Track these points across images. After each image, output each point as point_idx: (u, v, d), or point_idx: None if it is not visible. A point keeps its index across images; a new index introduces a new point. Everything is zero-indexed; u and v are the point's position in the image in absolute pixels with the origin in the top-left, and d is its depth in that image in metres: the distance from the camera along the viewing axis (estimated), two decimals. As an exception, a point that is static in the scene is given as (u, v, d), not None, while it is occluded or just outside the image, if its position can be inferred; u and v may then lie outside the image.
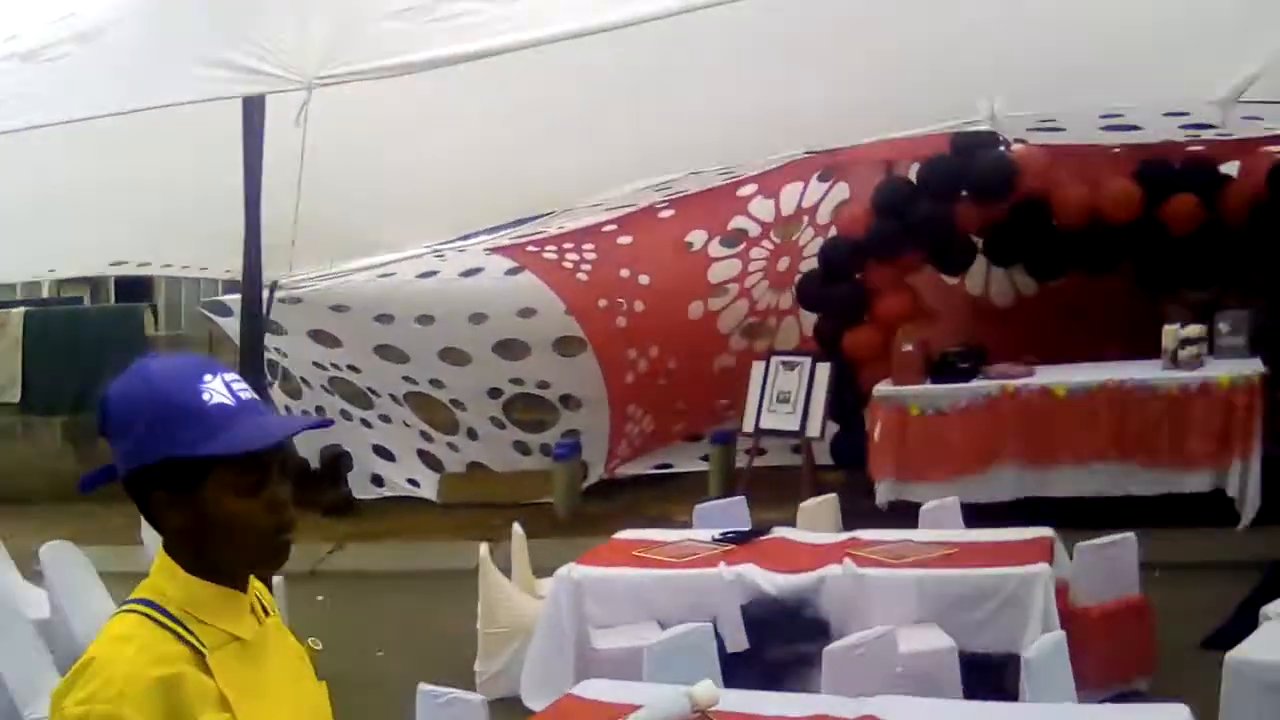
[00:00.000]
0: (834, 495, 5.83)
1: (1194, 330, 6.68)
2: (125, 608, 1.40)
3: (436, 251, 7.75)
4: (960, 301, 8.32)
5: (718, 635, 4.19)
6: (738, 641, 4.41)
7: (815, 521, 5.45)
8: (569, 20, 3.62)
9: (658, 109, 5.24)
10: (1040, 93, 6.07)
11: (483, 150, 5.64)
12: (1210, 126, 6.32)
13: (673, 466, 9.40)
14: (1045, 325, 8.01)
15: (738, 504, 5.70)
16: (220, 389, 1.39)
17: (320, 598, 6.73)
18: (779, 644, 4.35)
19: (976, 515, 6.50)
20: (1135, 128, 6.85)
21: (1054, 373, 6.89)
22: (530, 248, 8.09)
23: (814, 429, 7.66)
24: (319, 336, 8.88)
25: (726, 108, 5.35)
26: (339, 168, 5.17)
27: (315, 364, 9.18)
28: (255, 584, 1.50)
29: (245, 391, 1.42)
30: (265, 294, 5.91)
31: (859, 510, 7.28)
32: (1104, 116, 6.46)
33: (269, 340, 7.29)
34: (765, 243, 8.49)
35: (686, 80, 5.00)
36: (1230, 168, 7.59)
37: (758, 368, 8.05)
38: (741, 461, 8.30)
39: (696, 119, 5.46)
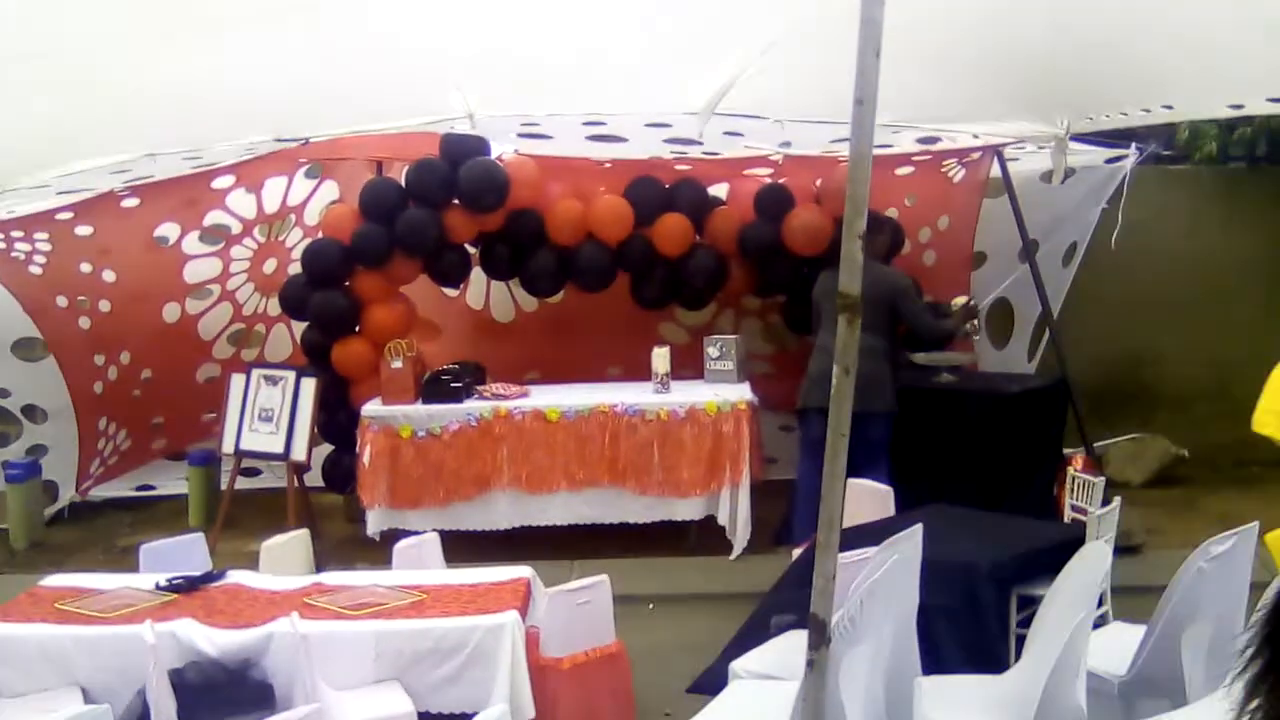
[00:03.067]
0: (304, 531, 5.38)
1: (660, 353, 6.87)
2: None
3: None
4: (462, 316, 8.16)
5: (146, 708, 3.67)
6: (166, 714, 3.85)
7: (281, 562, 4.96)
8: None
9: (86, 76, 4.59)
10: (518, 93, 6.01)
11: None
12: (694, 142, 6.52)
13: (156, 489, 8.54)
14: (549, 343, 8.06)
15: (191, 542, 5.10)
16: None
17: None
18: (217, 715, 3.84)
19: (471, 546, 6.40)
20: (621, 139, 6.99)
21: (550, 394, 6.85)
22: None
23: (299, 451, 7.15)
24: None
25: (175, 84, 4.79)
26: None
27: None
28: None
29: None
30: None
31: (355, 540, 6.94)
32: (587, 124, 6.51)
33: None
34: (248, 241, 7.89)
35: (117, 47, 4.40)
36: (720, 190, 7.96)
37: (237, 381, 7.41)
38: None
39: (139, 93, 4.84)
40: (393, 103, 5.97)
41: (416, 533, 5.32)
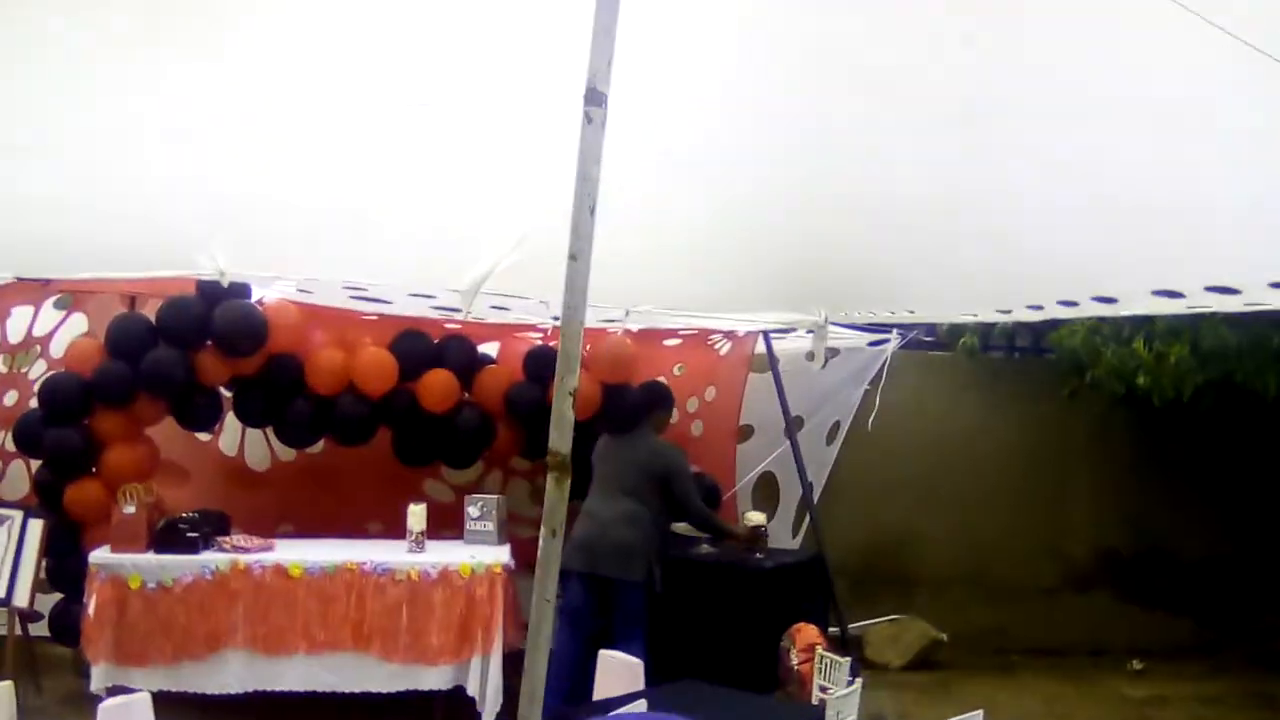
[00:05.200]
0: (7, 685, 5.04)
1: (415, 511, 6.81)
2: None
3: None
4: (214, 462, 7.94)
5: None
6: None
7: (-26, 721, 4.65)
8: None
9: None
10: (273, 256, 6.04)
11: None
12: (460, 310, 6.63)
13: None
14: (306, 495, 7.89)
15: None
16: None
17: None
18: None
19: (202, 710, 6.12)
20: (385, 301, 7.07)
21: (296, 549, 6.66)
22: None
23: (21, 598, 6.74)
24: None
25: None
26: None
27: None
28: None
29: None
30: None
31: (80, 696, 6.54)
32: (348, 288, 6.57)
33: None
34: (-9, 373, 7.56)
35: None
36: (492, 348, 8.06)
37: (-41, 520, 7.00)
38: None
39: None
40: (142, 253, 5.91)
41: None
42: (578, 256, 2.96)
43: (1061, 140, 3.58)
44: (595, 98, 2.86)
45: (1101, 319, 8.27)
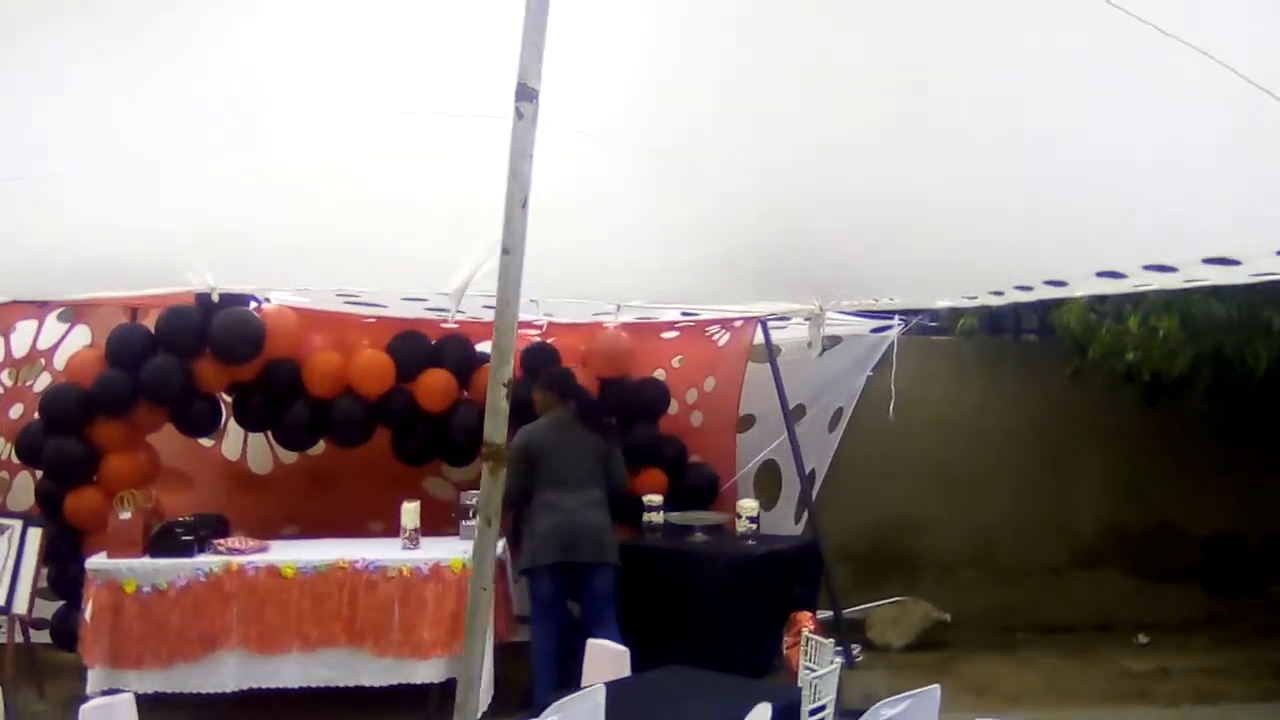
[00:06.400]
0: (-4, 691, 5.13)
1: (409, 508, 6.82)
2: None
3: None
4: (217, 467, 7.99)
5: None
6: None
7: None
8: None
9: None
10: (263, 269, 6.10)
11: None
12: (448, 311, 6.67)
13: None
14: (308, 497, 7.94)
15: None
16: None
17: None
18: None
19: (198, 710, 6.17)
20: (380, 305, 7.11)
21: (290, 549, 6.69)
22: None
23: (20, 604, 6.83)
24: None
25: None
26: None
27: None
28: None
29: None
30: None
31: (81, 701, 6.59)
32: (341, 295, 6.61)
33: None
34: (-4, 386, 7.66)
35: None
36: (488, 347, 8.04)
37: (-35, 530, 7.09)
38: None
39: None
40: (135, 272, 6.00)
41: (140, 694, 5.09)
42: (510, 250, 2.93)
43: (1005, 126, 3.60)
44: (526, 94, 2.85)
45: (1102, 298, 8.22)
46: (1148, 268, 4.43)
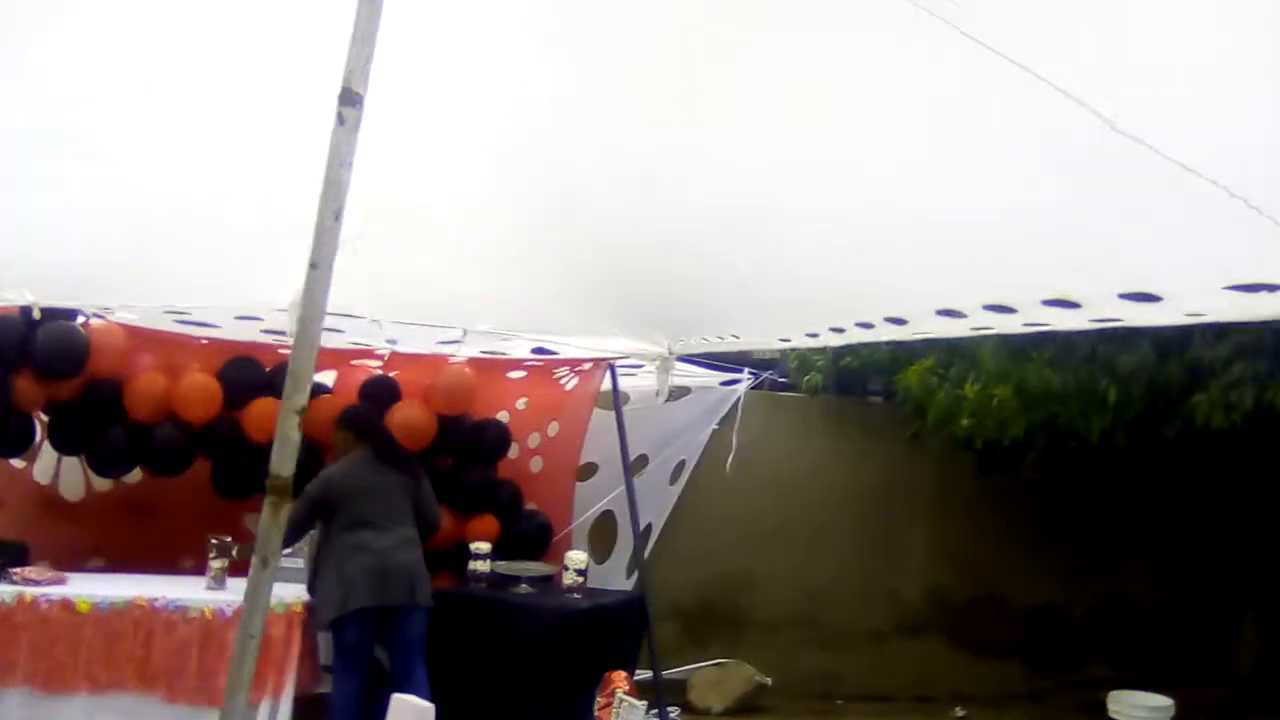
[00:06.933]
0: None
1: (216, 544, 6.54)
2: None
3: None
4: (28, 490, 7.53)
5: None
6: None
7: None
8: None
9: None
10: (84, 287, 5.82)
11: None
12: (286, 333, 6.43)
13: None
14: (120, 527, 7.48)
15: None
16: None
17: None
18: None
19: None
20: (213, 325, 6.83)
21: (89, 583, 6.33)
22: None
23: None
24: None
25: None
26: None
27: None
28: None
29: None
30: None
31: None
32: (170, 313, 6.33)
33: None
34: None
35: None
36: (328, 377, 7.82)
37: None
38: None
39: None
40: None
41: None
42: (318, 265, 2.78)
43: (837, 159, 3.51)
44: (350, 98, 2.71)
45: (948, 364, 8.31)
46: (988, 308, 4.34)
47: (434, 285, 5.70)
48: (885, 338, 5.50)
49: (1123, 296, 3.83)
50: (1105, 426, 7.15)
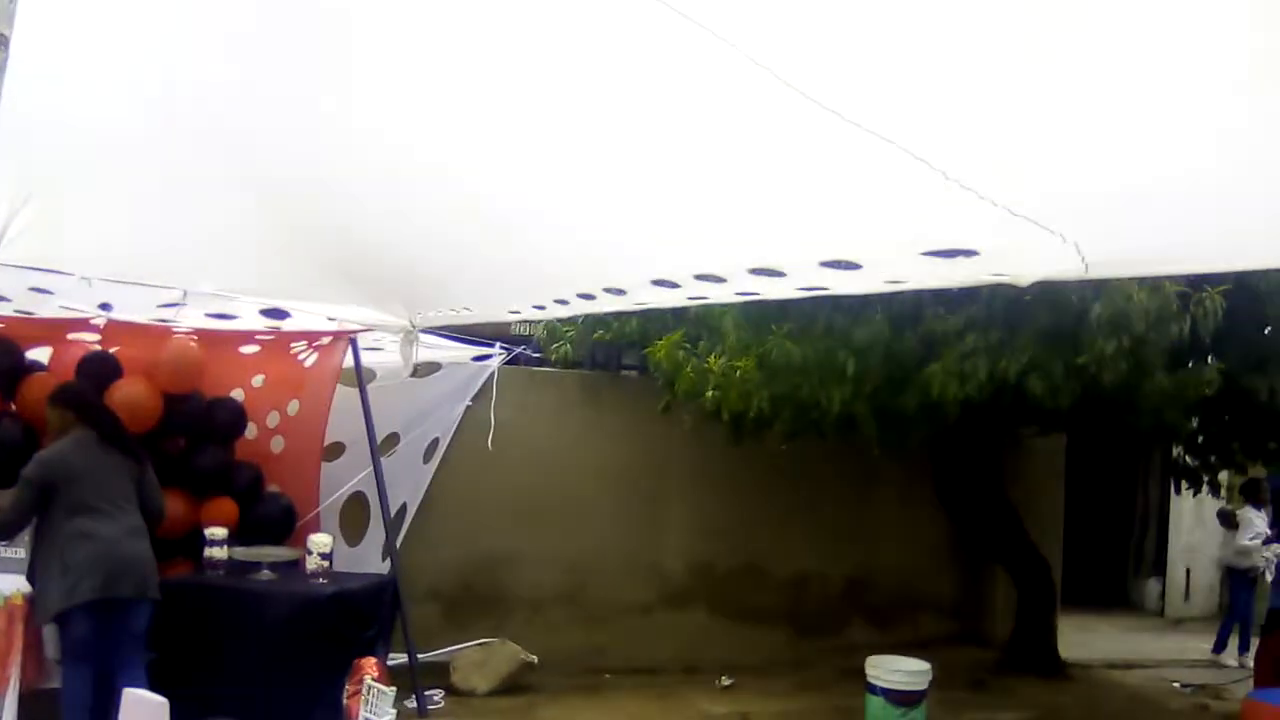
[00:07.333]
0: None
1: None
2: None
3: None
4: None
5: None
6: None
7: None
8: None
9: None
10: None
11: None
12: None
13: None
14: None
15: None
16: None
17: None
18: None
19: None
20: None
21: None
22: None
23: None
24: None
25: None
26: None
27: None
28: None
29: None
30: None
31: None
32: None
33: None
34: None
35: None
36: (44, 354, 7.09)
37: None
38: None
39: None
40: None
41: None
42: None
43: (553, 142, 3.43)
44: None
45: (696, 337, 8.22)
46: (699, 277, 4.41)
47: (149, 236, 5.16)
48: (607, 308, 5.54)
49: (824, 264, 3.92)
50: (845, 398, 7.15)
